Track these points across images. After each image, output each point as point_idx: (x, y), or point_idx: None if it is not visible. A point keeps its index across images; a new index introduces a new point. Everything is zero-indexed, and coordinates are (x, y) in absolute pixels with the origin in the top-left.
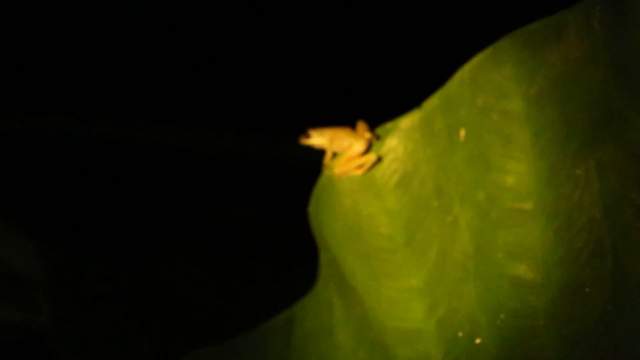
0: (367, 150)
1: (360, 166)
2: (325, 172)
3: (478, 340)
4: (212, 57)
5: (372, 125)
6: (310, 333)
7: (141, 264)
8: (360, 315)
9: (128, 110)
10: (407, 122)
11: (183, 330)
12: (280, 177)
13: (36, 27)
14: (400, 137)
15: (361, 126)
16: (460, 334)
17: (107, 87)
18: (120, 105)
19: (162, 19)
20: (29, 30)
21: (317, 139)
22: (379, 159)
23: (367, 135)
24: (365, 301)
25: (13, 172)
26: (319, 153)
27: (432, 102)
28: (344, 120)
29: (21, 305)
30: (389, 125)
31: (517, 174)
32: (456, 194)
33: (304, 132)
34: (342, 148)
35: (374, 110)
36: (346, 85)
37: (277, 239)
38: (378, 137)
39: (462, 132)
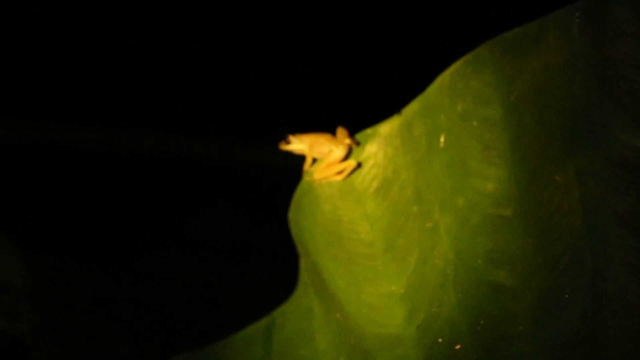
0: (347, 156)
1: (340, 172)
2: (305, 178)
3: (458, 347)
4: (194, 66)
5: (352, 132)
6: (290, 339)
7: (122, 271)
8: (340, 321)
9: (110, 119)
10: (387, 128)
11: (163, 336)
12: (260, 183)
13: (17, 37)
14: (380, 143)
15: (341, 132)
16: (440, 340)
17: (89, 95)
18: (103, 114)
19: (144, 32)
20: (8, 38)
21: (297, 144)
22: (359, 165)
23: (347, 141)
24: (345, 307)
25: None
26: (299, 159)
27: (412, 108)
28: (324, 126)
29: (2, 313)
30: (368, 131)
31: (497, 180)
32: (436, 200)
33: (284, 138)
34: (321, 154)
35: (353, 116)
36: (326, 92)
37: (257, 245)
38: (358, 143)
39: (442, 138)
